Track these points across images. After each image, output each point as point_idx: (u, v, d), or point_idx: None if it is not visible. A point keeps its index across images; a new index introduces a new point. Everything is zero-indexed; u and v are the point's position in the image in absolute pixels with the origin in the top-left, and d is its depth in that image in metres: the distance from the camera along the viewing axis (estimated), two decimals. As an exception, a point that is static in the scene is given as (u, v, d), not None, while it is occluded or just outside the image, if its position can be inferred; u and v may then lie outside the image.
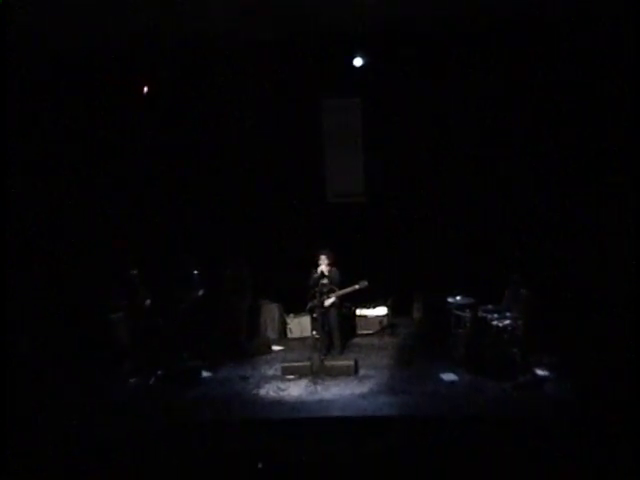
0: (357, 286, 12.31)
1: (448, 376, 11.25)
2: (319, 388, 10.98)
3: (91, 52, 12.85)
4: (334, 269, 12.45)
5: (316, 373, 11.39)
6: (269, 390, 11.08)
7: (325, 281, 12.28)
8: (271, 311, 14.33)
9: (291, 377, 11.49)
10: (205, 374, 11.88)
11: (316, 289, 12.27)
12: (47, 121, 13.35)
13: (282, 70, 13.78)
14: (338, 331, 12.66)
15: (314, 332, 12.48)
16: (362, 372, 11.70)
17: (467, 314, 11.87)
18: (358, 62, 13.75)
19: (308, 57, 13.68)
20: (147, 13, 11.04)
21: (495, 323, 11.27)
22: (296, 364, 11.81)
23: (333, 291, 12.33)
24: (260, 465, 8.46)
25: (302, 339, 13.90)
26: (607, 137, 12.07)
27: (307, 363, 11.63)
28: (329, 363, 11.63)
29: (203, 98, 14.45)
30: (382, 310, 14.09)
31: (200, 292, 13.02)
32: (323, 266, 12.36)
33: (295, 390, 11.00)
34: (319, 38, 13.04)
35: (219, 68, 13.76)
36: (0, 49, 9.98)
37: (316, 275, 12.36)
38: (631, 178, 10.73)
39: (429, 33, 12.91)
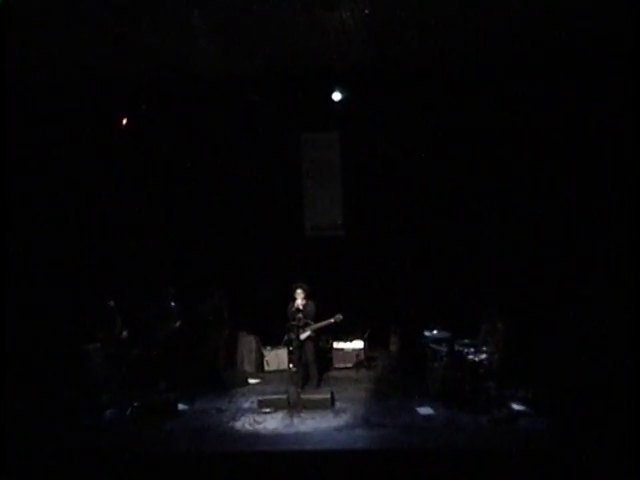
0: (332, 320, 12.34)
1: (424, 409, 11.25)
2: (295, 421, 10.94)
3: (73, 83, 12.90)
4: (310, 302, 12.49)
5: (292, 406, 11.35)
6: (245, 423, 11.03)
7: (301, 315, 12.30)
8: (248, 343, 14.31)
9: (267, 410, 11.44)
10: (182, 406, 11.79)
11: (292, 322, 12.29)
12: (25, 148, 13.34)
13: (262, 104, 13.86)
14: (315, 364, 12.67)
15: (291, 365, 12.51)
16: (338, 405, 11.68)
17: (443, 348, 11.91)
18: (337, 96, 13.86)
19: (287, 91, 13.81)
20: (130, 46, 11.13)
21: (471, 357, 11.31)
22: (273, 397, 11.76)
23: (309, 324, 12.36)
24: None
25: (279, 372, 13.92)
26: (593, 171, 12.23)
27: (284, 396, 11.59)
28: (305, 396, 11.60)
29: (183, 131, 14.52)
30: (359, 343, 14.13)
31: (177, 324, 13.03)
32: (299, 299, 12.40)
33: (271, 423, 10.96)
34: (299, 72, 13.18)
35: (199, 101, 13.85)
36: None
37: (293, 308, 12.39)
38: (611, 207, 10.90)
39: (407, 67, 13.07)
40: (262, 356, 14.33)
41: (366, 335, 14.25)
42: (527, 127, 13.17)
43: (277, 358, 14.15)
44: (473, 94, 13.57)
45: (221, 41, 10.98)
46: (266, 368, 14.24)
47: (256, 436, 10.46)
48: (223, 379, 13.15)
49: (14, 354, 12.22)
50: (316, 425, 10.76)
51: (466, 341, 11.84)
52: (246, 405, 11.98)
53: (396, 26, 10.97)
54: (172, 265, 14.64)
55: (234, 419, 11.24)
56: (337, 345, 14.22)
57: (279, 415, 11.26)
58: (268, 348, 14.28)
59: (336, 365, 14.15)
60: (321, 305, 12.62)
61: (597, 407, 10.03)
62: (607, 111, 11.56)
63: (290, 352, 12.73)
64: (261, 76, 13.16)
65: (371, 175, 14.97)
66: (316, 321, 12.42)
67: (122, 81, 13.15)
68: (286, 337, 12.48)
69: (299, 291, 12.44)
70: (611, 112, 11.35)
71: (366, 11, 10.38)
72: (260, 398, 11.79)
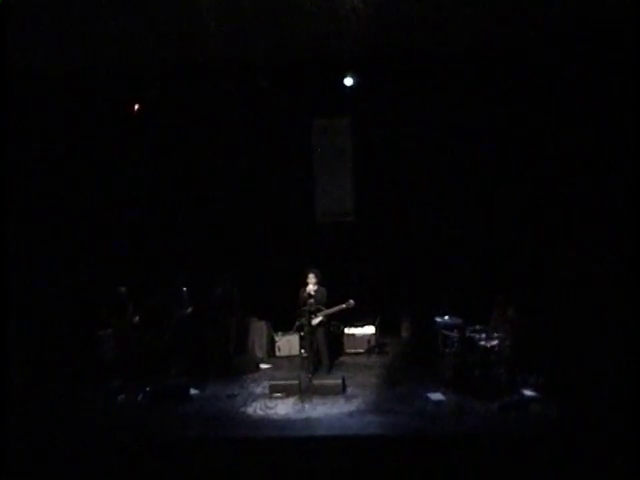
0: (344, 305, 12.32)
1: (435, 396, 11.25)
2: (306, 407, 10.97)
3: (83, 69, 12.88)
4: (322, 288, 12.48)
5: (304, 392, 11.38)
6: (256, 408, 11.06)
7: (312, 300, 12.30)
8: (259, 329, 14.33)
9: (279, 395, 11.47)
10: (193, 391, 11.85)
11: (304, 308, 12.29)
12: (35, 137, 13.33)
13: (272, 90, 13.82)
14: (326, 350, 12.66)
15: (302, 350, 12.53)
16: (349, 391, 11.71)
17: (455, 334, 11.90)
18: (349, 82, 13.78)
19: (298, 77, 13.74)
20: (143, 33, 11.10)
21: (482, 343, 11.32)
22: (284, 382, 11.78)
23: (320, 310, 12.36)
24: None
25: (290, 357, 13.96)
26: (598, 157, 12.13)
27: (295, 382, 11.62)
28: (317, 382, 11.63)
29: (194, 118, 14.51)
30: (370, 329, 14.14)
31: (189, 309, 13.05)
32: (311, 285, 12.39)
33: (282, 408, 10.98)
34: (310, 58, 13.10)
35: (210, 88, 13.80)
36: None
37: (304, 294, 12.38)
38: (622, 195, 10.82)
39: (419, 52, 12.98)
40: (273, 341, 14.36)
41: (377, 321, 14.26)
42: (539, 112, 13.07)
43: (288, 344, 14.18)
44: (487, 80, 13.46)
45: (231, 27, 10.93)
46: (277, 353, 14.28)
47: (267, 421, 10.50)
48: (234, 364, 13.18)
49: (27, 340, 12.33)
50: (327, 411, 10.78)
51: (477, 327, 11.86)
52: (257, 390, 12.02)
53: (408, 10, 10.89)
54: (183, 251, 14.65)
55: (245, 404, 11.28)
56: (348, 331, 14.22)
57: (290, 400, 11.28)
58: (279, 334, 14.31)
59: (347, 350, 14.16)
60: (332, 291, 12.60)
61: (608, 393, 10.00)
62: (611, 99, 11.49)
63: (301, 338, 12.75)
64: (272, 62, 13.10)
65: (382, 161, 14.92)
66: (327, 307, 12.41)
67: (133, 67, 13.10)
68: (297, 322, 12.49)
69: (311, 276, 12.43)
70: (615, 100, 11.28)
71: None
72: (271, 383, 11.81)
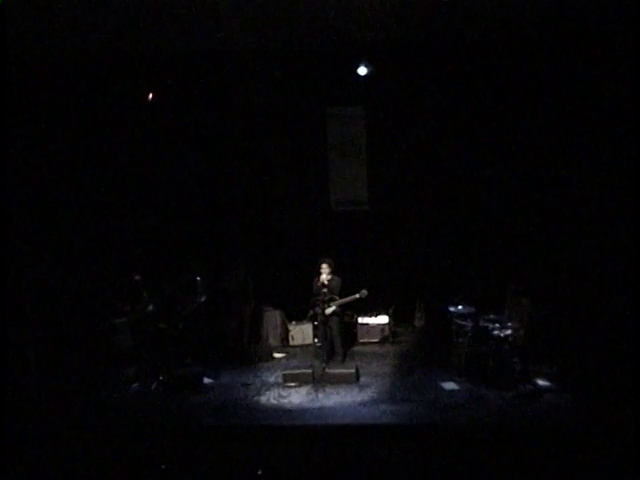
0: (357, 295, 12.33)
1: (449, 385, 11.28)
2: (320, 396, 11.00)
3: (96, 57, 12.89)
4: (335, 277, 12.50)
5: (317, 381, 11.41)
6: (270, 397, 11.10)
7: (326, 289, 12.32)
8: (273, 318, 14.36)
9: (292, 384, 11.51)
10: (207, 380, 11.89)
11: (318, 297, 12.31)
12: (49, 125, 13.34)
13: (287, 79, 13.82)
14: (340, 339, 12.68)
15: (316, 340, 12.55)
16: (363, 380, 11.72)
17: (468, 323, 11.87)
18: (362, 71, 13.73)
19: (313, 66, 13.72)
20: (155, 20, 11.08)
21: (496, 333, 11.28)
22: (297, 371, 11.82)
23: (334, 300, 12.37)
24: (260, 472, 8.49)
25: (304, 347, 13.98)
26: (608, 144, 12.06)
27: (308, 371, 11.66)
28: (330, 371, 11.66)
29: (207, 106, 14.50)
30: (384, 318, 14.13)
31: (203, 298, 13.05)
32: (325, 274, 12.40)
33: (296, 397, 11.02)
34: (324, 47, 13.07)
35: (224, 76, 13.78)
36: (0, 49, 10.04)
37: (318, 283, 12.40)
38: (632, 186, 10.77)
39: (434, 42, 12.93)
40: (287, 330, 14.37)
41: (391, 310, 14.25)
42: (553, 100, 13.00)
43: (302, 333, 14.19)
44: (500, 68, 13.39)
45: (245, 16, 10.91)
46: (291, 342, 14.29)
47: (281, 410, 10.54)
48: (248, 353, 13.20)
49: (42, 329, 12.40)
50: (341, 400, 10.81)
51: (491, 316, 11.80)
52: (271, 379, 12.05)
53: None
54: (198, 239, 14.68)
55: (259, 393, 11.31)
56: (362, 320, 14.21)
57: (304, 390, 11.32)
58: (293, 323, 14.33)
59: (361, 340, 14.16)
60: (346, 280, 12.61)
61: (622, 383, 9.98)
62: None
63: (315, 327, 12.77)
64: (285, 51, 13.09)
65: (396, 149, 14.90)
66: (341, 296, 12.42)
67: (147, 57, 13.10)
68: (311, 312, 12.52)
69: (324, 266, 12.43)
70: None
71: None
72: (285, 372, 11.85)
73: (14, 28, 10.30)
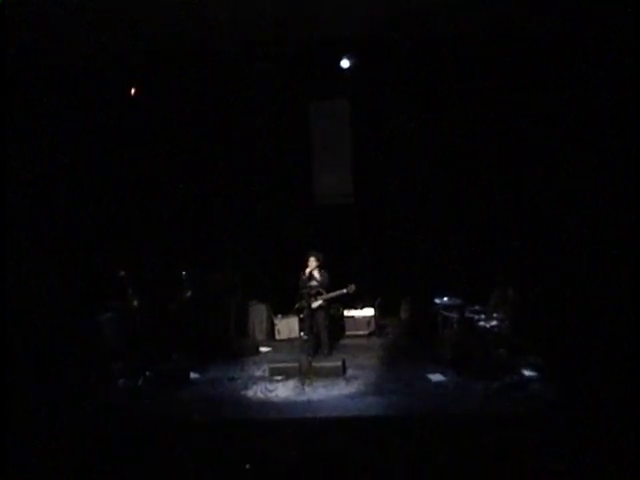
0: (345, 290, 12.36)
1: (435, 376, 11.31)
2: (307, 389, 11.01)
3: (87, 56, 12.82)
4: (322, 271, 12.50)
5: (304, 374, 11.42)
6: (257, 391, 11.11)
7: (313, 283, 12.33)
8: (259, 312, 14.36)
9: (279, 378, 11.52)
10: (193, 375, 11.89)
11: (304, 291, 12.32)
12: (42, 124, 13.27)
13: (270, 72, 13.78)
14: (326, 332, 12.69)
15: (302, 333, 12.59)
16: (350, 373, 11.74)
17: (454, 315, 11.91)
18: (346, 64, 13.73)
19: (296, 59, 13.67)
20: (141, 15, 11.03)
21: (482, 324, 11.32)
22: (284, 365, 11.83)
23: (321, 293, 12.38)
24: (248, 466, 8.48)
25: (290, 340, 13.98)
26: (599, 136, 12.08)
27: (295, 364, 11.66)
28: (317, 364, 11.66)
29: (192, 100, 14.45)
30: (370, 311, 14.16)
31: (188, 293, 13.05)
32: (311, 268, 12.40)
33: (283, 391, 11.03)
34: (307, 40, 13.03)
35: (207, 70, 13.73)
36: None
37: (304, 277, 12.40)
38: (621, 177, 10.81)
39: (417, 34, 12.91)
40: (273, 324, 14.37)
41: (377, 303, 14.27)
42: (543, 95, 13.02)
43: (288, 326, 14.20)
44: (486, 62, 13.38)
45: (228, 10, 10.87)
46: (277, 336, 14.29)
47: (268, 404, 10.55)
48: (234, 348, 13.20)
49: (26, 326, 12.33)
50: (327, 393, 10.83)
51: (477, 308, 11.85)
52: (257, 373, 12.05)
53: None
54: (183, 234, 14.64)
55: (246, 387, 11.32)
56: (348, 313, 14.24)
57: (290, 383, 11.33)
58: (279, 316, 14.33)
59: (347, 333, 14.17)
60: (331, 273, 12.62)
61: (608, 373, 10.03)
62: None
63: (301, 320, 12.79)
64: (270, 43, 13.04)
65: (381, 142, 14.90)
66: (328, 289, 12.44)
67: (131, 51, 13.03)
68: (297, 305, 12.52)
69: (312, 259, 12.44)
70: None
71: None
72: (271, 366, 11.86)
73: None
